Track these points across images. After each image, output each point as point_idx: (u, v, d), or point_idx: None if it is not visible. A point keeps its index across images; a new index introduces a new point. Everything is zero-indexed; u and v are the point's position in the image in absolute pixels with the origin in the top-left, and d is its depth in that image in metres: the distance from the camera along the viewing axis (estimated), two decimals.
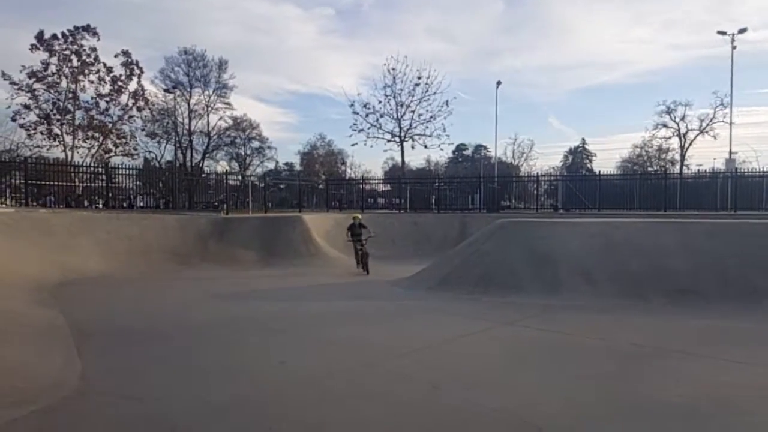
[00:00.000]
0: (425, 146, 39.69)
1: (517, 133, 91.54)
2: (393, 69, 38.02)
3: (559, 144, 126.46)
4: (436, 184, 31.48)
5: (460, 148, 78.74)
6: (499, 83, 41.14)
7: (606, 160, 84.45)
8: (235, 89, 44.78)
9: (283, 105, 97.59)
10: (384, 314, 9.02)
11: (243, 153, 48.64)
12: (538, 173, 33.87)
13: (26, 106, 33.45)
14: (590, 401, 4.70)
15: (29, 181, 18.97)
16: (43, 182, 21.15)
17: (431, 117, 38.62)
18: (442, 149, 42.07)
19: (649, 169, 52.16)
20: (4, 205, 18.01)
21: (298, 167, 61.11)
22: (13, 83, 32.73)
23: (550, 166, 65.77)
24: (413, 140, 39.75)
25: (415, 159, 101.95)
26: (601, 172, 26.29)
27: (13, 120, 33.44)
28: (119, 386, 5.11)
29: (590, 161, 78.58)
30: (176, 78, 41.58)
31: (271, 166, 53.51)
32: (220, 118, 43.99)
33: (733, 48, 34.78)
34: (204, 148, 43.83)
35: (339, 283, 12.04)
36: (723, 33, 35.45)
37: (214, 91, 42.77)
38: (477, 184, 30.31)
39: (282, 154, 63.21)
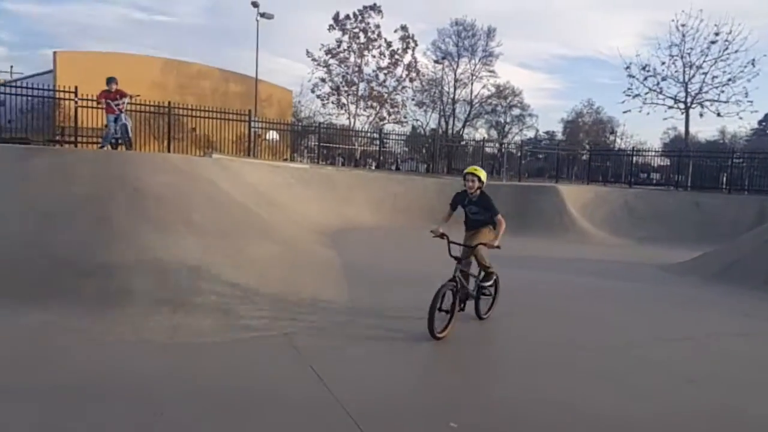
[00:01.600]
0: (718, 114, 33.16)
1: None
2: (683, 25, 32.45)
3: None
4: (730, 159, 26.17)
5: None
6: None
7: None
8: (501, 57, 44.62)
9: (548, 71, 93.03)
10: (643, 297, 8.08)
11: (502, 121, 48.56)
12: None
13: (322, 80, 39.28)
14: None
15: (321, 143, 22.53)
16: (330, 144, 24.83)
17: (729, 80, 31.91)
18: (741, 118, 34.34)
19: None
20: (301, 162, 21.82)
21: (559, 136, 58.25)
22: (314, 59, 38.76)
23: None
24: (702, 107, 33.63)
25: (705, 129, 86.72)
26: None
27: (312, 91, 39.78)
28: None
29: None
30: (446, 49, 43.42)
31: (530, 134, 52.21)
32: (483, 86, 44.51)
33: None
34: (465, 116, 45.18)
35: (592, 259, 11.15)
36: None
37: (480, 60, 43.43)
38: None
39: (543, 122, 60.63)
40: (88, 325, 5.07)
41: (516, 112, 48.23)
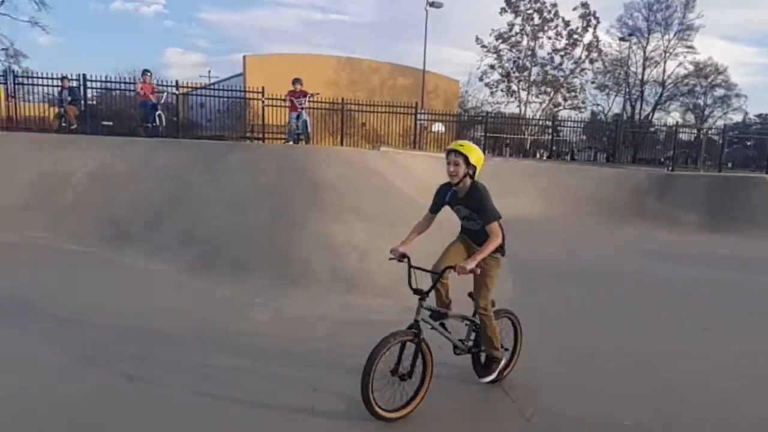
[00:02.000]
0: None
1: None
2: None
3: None
4: None
5: None
6: None
7: None
8: (701, 30, 39.01)
9: (759, 43, 78.19)
10: None
11: (702, 103, 42.51)
12: None
13: (492, 66, 38.17)
14: None
15: (487, 134, 22.21)
16: (498, 134, 24.31)
17: None
18: None
19: None
20: None
21: None
22: (483, 46, 37.81)
23: None
24: None
25: None
26: None
27: (480, 79, 38.83)
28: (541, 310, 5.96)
29: None
30: (634, 24, 39.33)
31: (737, 118, 44.88)
32: (679, 64, 39.39)
33: None
34: (656, 99, 40.53)
35: None
36: None
37: (675, 35, 38.51)
38: None
39: (754, 104, 50.96)
40: (272, 299, 5.83)
41: (719, 92, 41.82)
